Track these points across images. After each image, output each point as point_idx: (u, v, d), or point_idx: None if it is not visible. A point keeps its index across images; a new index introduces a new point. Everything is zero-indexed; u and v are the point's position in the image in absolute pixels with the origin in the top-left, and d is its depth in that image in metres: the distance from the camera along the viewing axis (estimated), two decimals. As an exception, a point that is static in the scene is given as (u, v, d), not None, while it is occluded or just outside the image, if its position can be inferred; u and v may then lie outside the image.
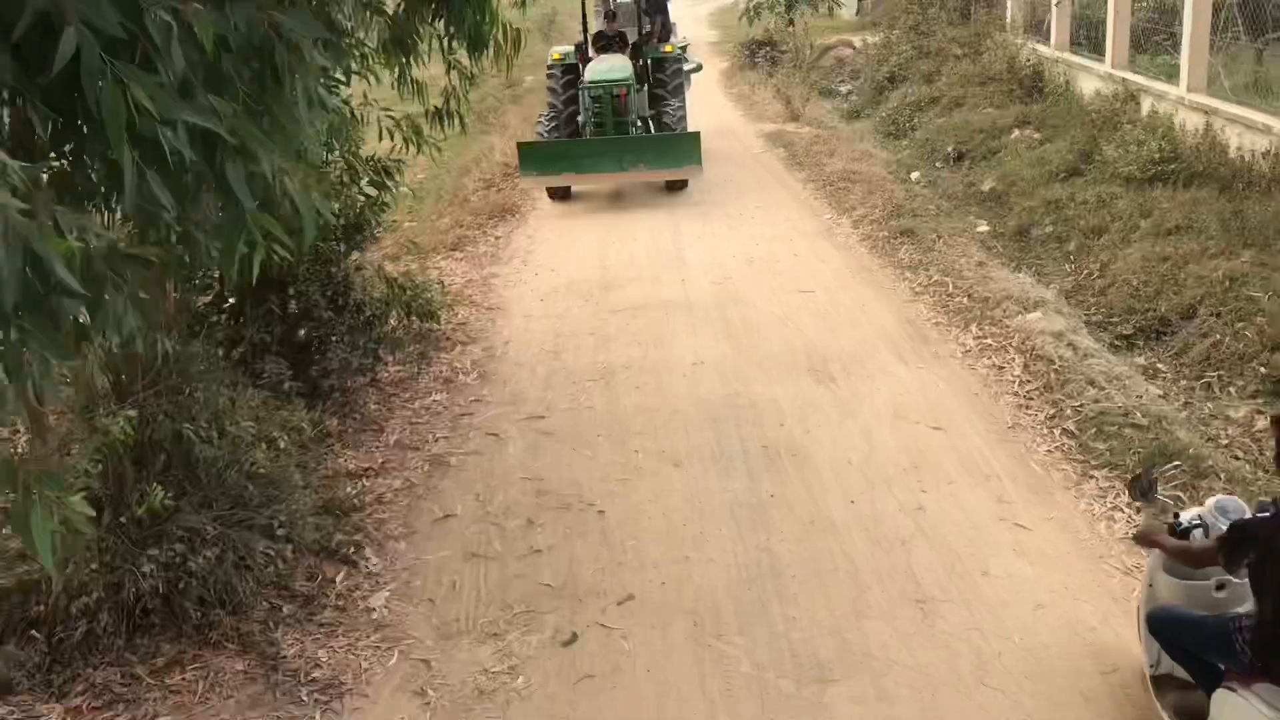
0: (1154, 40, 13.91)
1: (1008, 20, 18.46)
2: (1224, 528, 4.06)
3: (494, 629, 5.63)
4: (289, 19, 2.91)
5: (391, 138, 7.42)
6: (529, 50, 11.28)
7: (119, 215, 4.36)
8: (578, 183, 14.33)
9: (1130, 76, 13.74)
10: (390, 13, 5.89)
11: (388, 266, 9.67)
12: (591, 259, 11.88)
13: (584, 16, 15.90)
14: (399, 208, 11.33)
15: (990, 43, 17.66)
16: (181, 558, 5.57)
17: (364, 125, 7.29)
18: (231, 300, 7.76)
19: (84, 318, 3.31)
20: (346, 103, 6.78)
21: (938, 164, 14.72)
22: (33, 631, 5.49)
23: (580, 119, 14.58)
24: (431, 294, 9.37)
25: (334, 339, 8.28)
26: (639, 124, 14.70)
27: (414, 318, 9.15)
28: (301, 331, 8.19)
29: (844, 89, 20.84)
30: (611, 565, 6.10)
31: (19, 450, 5.77)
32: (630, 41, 15.24)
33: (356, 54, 5.95)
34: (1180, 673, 4.36)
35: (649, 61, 15.00)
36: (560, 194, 14.45)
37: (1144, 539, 4.51)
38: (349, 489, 6.93)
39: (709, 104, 19.47)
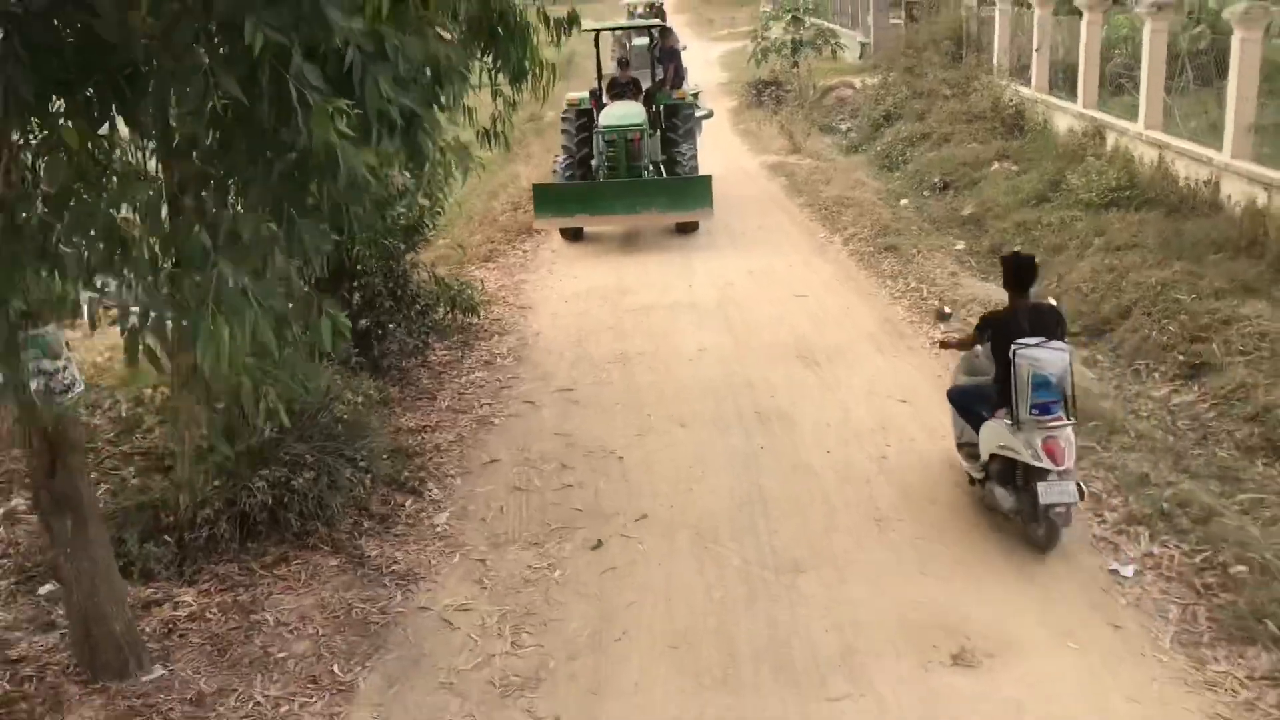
0: (1118, 83, 15.39)
1: (994, 64, 19.97)
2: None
3: (535, 540, 7.01)
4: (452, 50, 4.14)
5: (444, 155, 8.88)
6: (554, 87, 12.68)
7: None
8: (591, 224, 14.64)
9: (1098, 115, 15.21)
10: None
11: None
12: (609, 269, 13.34)
13: (598, 63, 16.49)
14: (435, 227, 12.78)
15: (977, 84, 19.16)
16: (286, 478, 6.95)
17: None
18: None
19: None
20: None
21: (925, 192, 16.15)
22: (165, 536, 6.85)
23: (594, 163, 15.01)
24: (472, 292, 10.82)
25: (392, 325, 9.71)
26: (651, 168, 15.13)
27: (458, 311, 10.58)
28: (364, 321, 9.61)
29: (844, 126, 22.32)
30: (629, 495, 7.49)
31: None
32: (643, 88, 15.79)
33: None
34: (969, 437, 7.04)
35: (661, 108, 15.45)
36: (573, 235, 14.81)
37: (944, 344, 7.60)
38: (411, 440, 8.33)
39: (718, 138, 20.95)
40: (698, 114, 16.34)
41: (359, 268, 9.33)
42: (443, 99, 4.13)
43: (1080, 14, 15.72)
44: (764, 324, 10.90)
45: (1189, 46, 14.46)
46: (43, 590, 6.60)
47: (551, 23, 6.04)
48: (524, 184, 17.50)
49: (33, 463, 5.60)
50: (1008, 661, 5.51)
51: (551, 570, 6.65)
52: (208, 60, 2.97)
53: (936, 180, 16.28)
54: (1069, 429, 6.42)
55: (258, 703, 5.49)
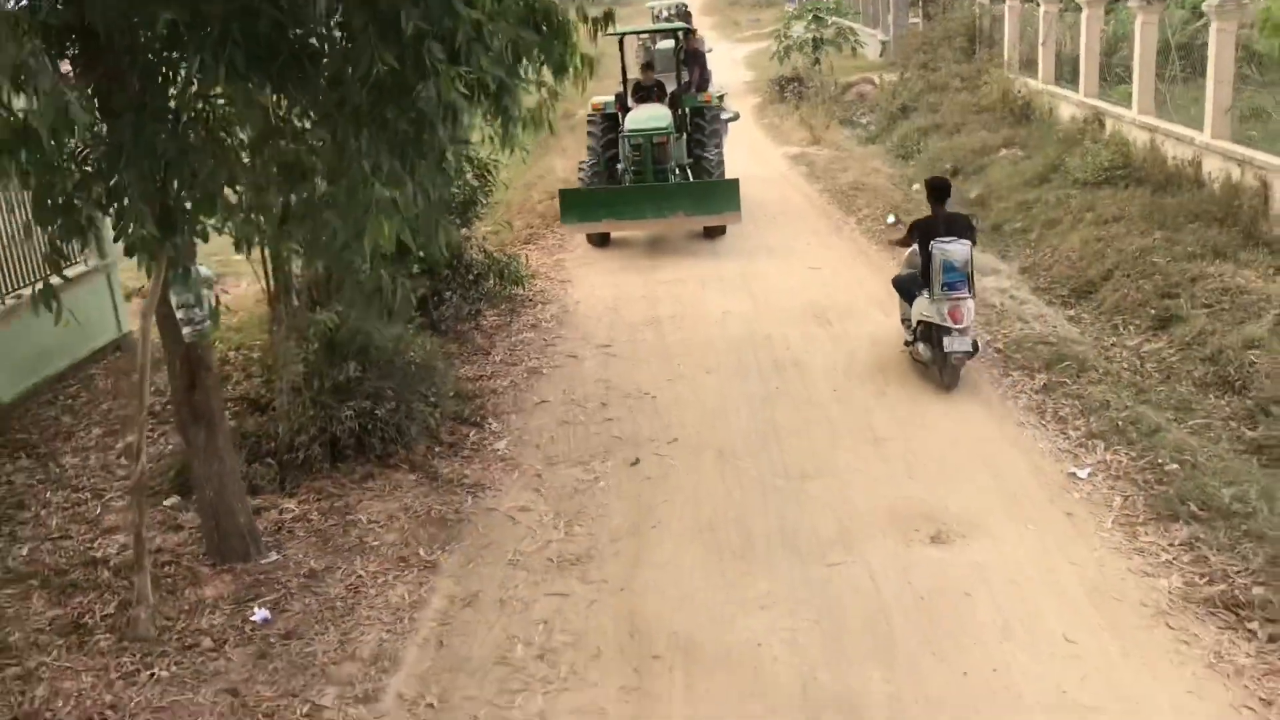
0: (1115, 73, 16.45)
1: (1005, 59, 21.03)
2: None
3: (582, 459, 8.23)
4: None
5: (492, 141, 10.12)
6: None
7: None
8: (618, 230, 14.58)
9: (1097, 103, 16.28)
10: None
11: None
12: (640, 249, 14.56)
13: (623, 66, 16.25)
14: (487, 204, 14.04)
15: (988, 78, 20.26)
16: (370, 409, 8.19)
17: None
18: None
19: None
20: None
21: (936, 178, 17.24)
22: (268, 459, 8.11)
23: (620, 167, 14.94)
24: (518, 265, 12.08)
25: (448, 293, 10.96)
26: (677, 172, 14.98)
27: (506, 282, 11.83)
28: (420, 290, 10.84)
29: (864, 120, 23.45)
30: (662, 426, 8.71)
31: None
32: (669, 91, 15.72)
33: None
34: (905, 313, 9.44)
35: (687, 110, 15.34)
36: (599, 240, 14.79)
37: (892, 242, 10.11)
38: (470, 386, 9.58)
39: (742, 132, 22.07)
40: (724, 116, 16.38)
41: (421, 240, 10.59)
42: (521, 74, 5.32)
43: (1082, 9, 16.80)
44: (782, 292, 12.07)
45: (1179, 38, 15.48)
46: (168, 502, 7.89)
47: (590, 19, 7.15)
48: (560, 174, 18.75)
49: (175, 382, 6.86)
50: (976, 540, 6.67)
51: (596, 481, 7.87)
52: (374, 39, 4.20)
53: (948, 167, 17.33)
54: (969, 300, 8.78)
55: (360, 576, 6.72)
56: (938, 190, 9.38)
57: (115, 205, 4.84)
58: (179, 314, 6.60)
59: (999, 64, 21.04)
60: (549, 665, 5.76)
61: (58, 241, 4.98)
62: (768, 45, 29.69)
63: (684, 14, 27.71)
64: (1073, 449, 7.71)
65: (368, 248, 4.55)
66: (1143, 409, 8.02)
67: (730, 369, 9.84)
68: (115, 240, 5.10)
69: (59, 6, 4.60)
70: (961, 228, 9.12)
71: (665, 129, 14.58)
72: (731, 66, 31.86)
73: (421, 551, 6.99)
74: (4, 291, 9.75)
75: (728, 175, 14.79)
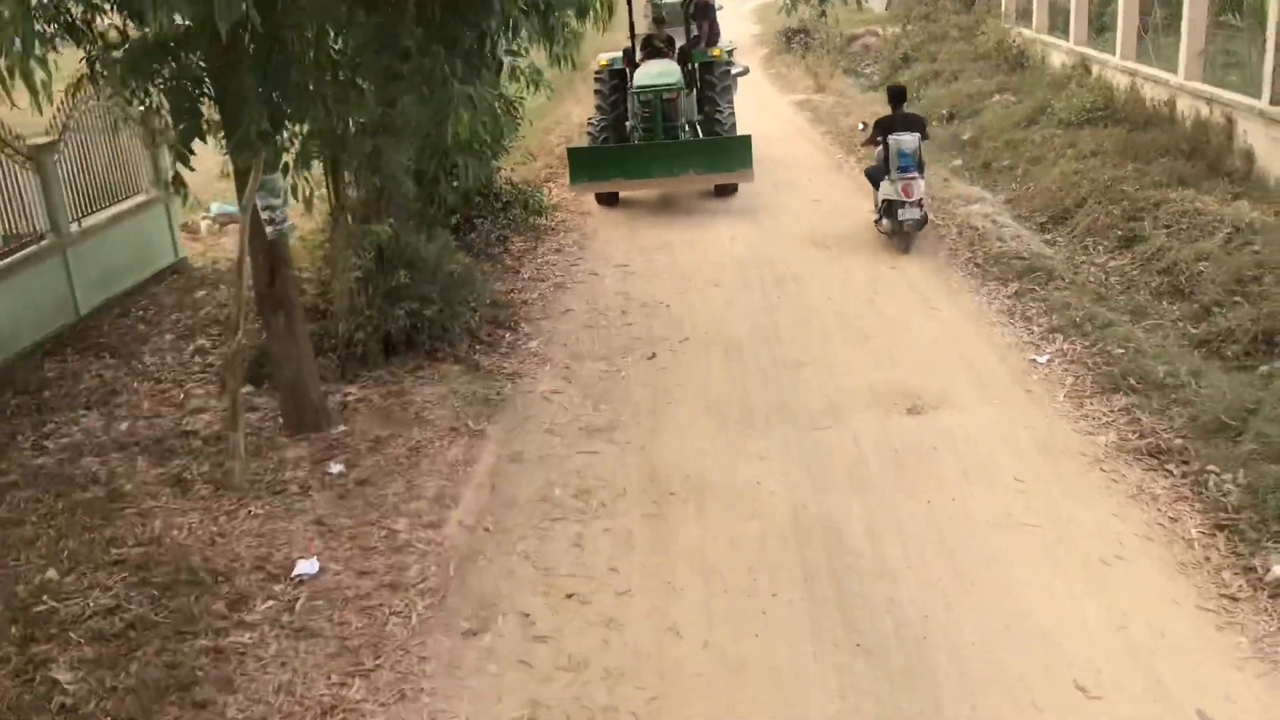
0: (1102, 21, 17.38)
1: (1002, 9, 21.91)
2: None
3: (604, 355, 9.36)
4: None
5: (518, 79, 11.18)
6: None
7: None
8: (627, 189, 14.34)
9: (1085, 50, 17.22)
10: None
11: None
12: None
13: (631, 23, 15.54)
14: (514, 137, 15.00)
15: (985, 28, 21.16)
16: (419, 309, 9.29)
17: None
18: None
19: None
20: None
21: (933, 121, 18.14)
22: (330, 354, 9.22)
23: (629, 124, 14.75)
24: (542, 197, 13.16)
25: (479, 219, 12.05)
26: (688, 129, 14.78)
27: (529, 213, 12.91)
28: (456, 216, 11.90)
29: (867, 70, 24.37)
30: (675, 328, 9.83)
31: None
32: (677, 46, 15.29)
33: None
34: (874, 196, 11.73)
35: (697, 66, 15.00)
36: (607, 199, 14.53)
37: (863, 144, 12.62)
38: (503, 298, 10.68)
39: (749, 81, 23.01)
40: (734, 71, 16.14)
41: (454, 169, 11.66)
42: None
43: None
44: (785, 221, 13.14)
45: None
46: (244, 390, 9.00)
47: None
48: (576, 120, 19.74)
49: (258, 275, 7.97)
50: (946, 412, 7.79)
51: (619, 372, 9.00)
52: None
53: (944, 111, 18.34)
54: (919, 180, 11.30)
55: (418, 442, 7.86)
56: (896, 95, 12.26)
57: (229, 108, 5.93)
58: (263, 215, 7.70)
59: (997, 14, 21.94)
60: (583, 502, 6.92)
61: (184, 140, 6.07)
62: (775, -1, 30.47)
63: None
64: (1035, 341, 8.82)
65: (450, 133, 5.63)
66: (1099, 309, 9.10)
67: (737, 284, 10.93)
68: (228, 137, 6.20)
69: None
70: (914, 124, 11.70)
71: (675, 84, 14.21)
72: (739, 21, 32.67)
73: (470, 423, 8.13)
74: (80, 215, 10.87)
75: (738, 129, 14.79)
